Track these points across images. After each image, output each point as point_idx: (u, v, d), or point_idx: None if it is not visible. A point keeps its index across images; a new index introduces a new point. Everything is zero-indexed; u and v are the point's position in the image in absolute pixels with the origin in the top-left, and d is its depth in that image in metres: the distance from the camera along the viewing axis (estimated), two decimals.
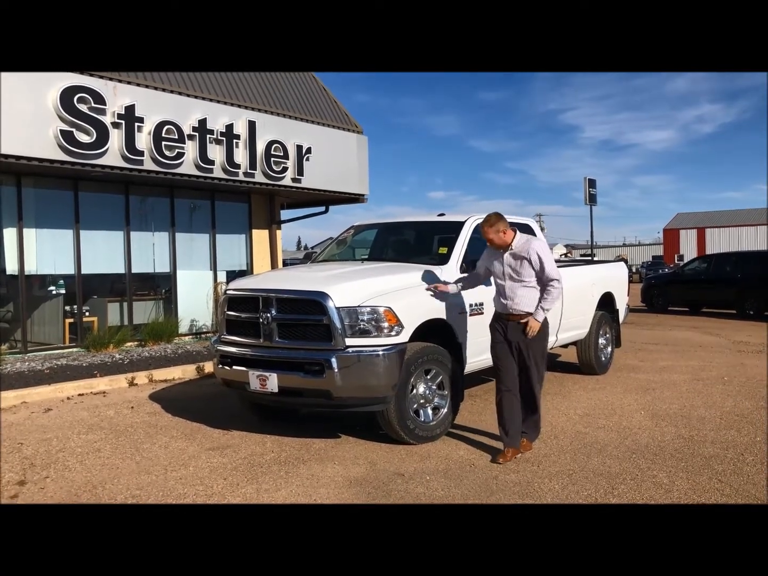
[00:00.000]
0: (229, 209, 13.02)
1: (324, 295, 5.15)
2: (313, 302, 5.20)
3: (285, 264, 14.94)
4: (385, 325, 5.16)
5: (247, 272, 13.28)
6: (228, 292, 5.88)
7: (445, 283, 5.67)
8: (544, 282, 5.05)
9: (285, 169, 12.28)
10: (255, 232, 13.44)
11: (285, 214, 14.48)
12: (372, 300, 5.19)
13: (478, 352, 6.18)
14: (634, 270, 42.88)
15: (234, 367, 5.63)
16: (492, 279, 5.39)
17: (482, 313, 6.09)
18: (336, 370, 5.05)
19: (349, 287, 5.31)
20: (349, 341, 5.11)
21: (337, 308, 5.10)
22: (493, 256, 5.26)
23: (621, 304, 9.28)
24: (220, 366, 5.78)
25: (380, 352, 5.11)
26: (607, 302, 8.81)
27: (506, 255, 5.13)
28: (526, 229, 7.32)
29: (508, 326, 5.15)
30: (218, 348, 5.84)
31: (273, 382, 5.28)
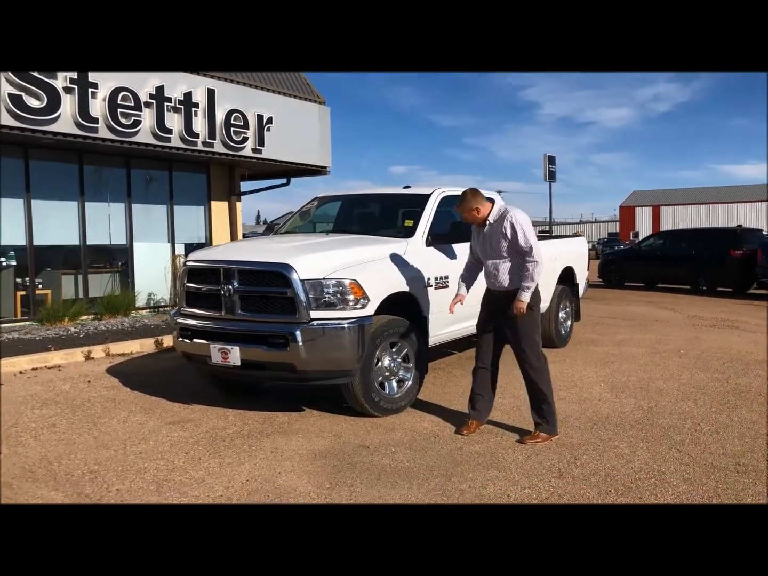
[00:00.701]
0: (187, 180, 12.73)
1: (288, 267, 5.05)
2: (277, 274, 5.11)
3: (245, 237, 14.69)
4: (351, 297, 5.10)
5: (206, 245, 13.01)
6: (188, 263, 5.74)
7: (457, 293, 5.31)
8: (521, 255, 4.71)
9: (245, 139, 12.02)
10: (214, 203, 13.18)
11: (245, 185, 14.25)
12: (337, 272, 5.12)
13: (443, 326, 6.18)
14: (590, 246, 43.51)
15: (195, 340, 5.51)
16: None
17: (447, 287, 6.08)
18: (300, 343, 4.97)
19: (313, 259, 5.22)
20: (313, 314, 5.04)
21: (302, 281, 5.02)
22: (476, 233, 5.09)
23: (581, 278, 9.38)
24: (180, 339, 5.65)
25: (345, 325, 5.05)
26: (567, 277, 8.90)
27: (485, 230, 4.91)
28: None
29: (495, 303, 4.98)
30: (178, 320, 5.71)
31: (235, 355, 5.19)
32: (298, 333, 4.99)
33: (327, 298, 5.06)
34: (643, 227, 61.70)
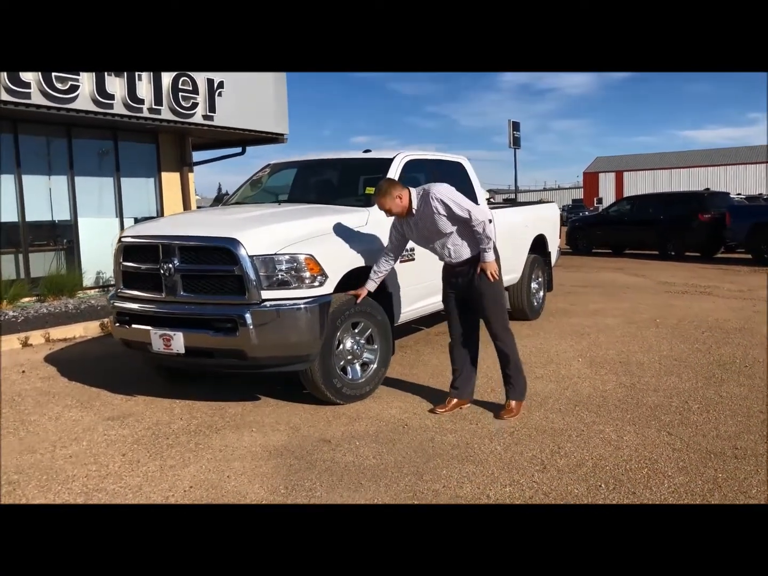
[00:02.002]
0: (134, 150, 11.92)
1: (234, 242, 4.49)
2: (222, 250, 4.54)
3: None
4: (307, 275, 4.56)
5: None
6: (123, 239, 5.12)
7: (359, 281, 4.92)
8: (466, 224, 4.49)
9: (195, 105, 11.25)
10: (165, 175, 12.41)
11: (198, 155, 13.50)
12: (291, 247, 4.57)
13: (410, 302, 5.70)
14: None
15: (133, 326, 4.93)
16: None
17: (413, 260, 5.58)
18: (251, 327, 4.43)
19: (263, 232, 4.66)
20: (265, 294, 4.49)
21: (251, 257, 4.46)
22: (404, 224, 4.74)
23: (553, 246, 8.95)
24: (118, 324, 5.06)
25: (302, 306, 4.52)
26: (539, 245, 8.45)
27: (414, 219, 4.62)
28: (458, 168, 6.81)
29: (457, 274, 4.72)
30: (115, 304, 5.11)
31: (178, 342, 4.63)
32: (247, 316, 4.44)
33: (280, 276, 4.52)
34: (607, 193, 61.93)
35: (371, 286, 4.88)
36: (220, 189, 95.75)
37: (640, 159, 65.67)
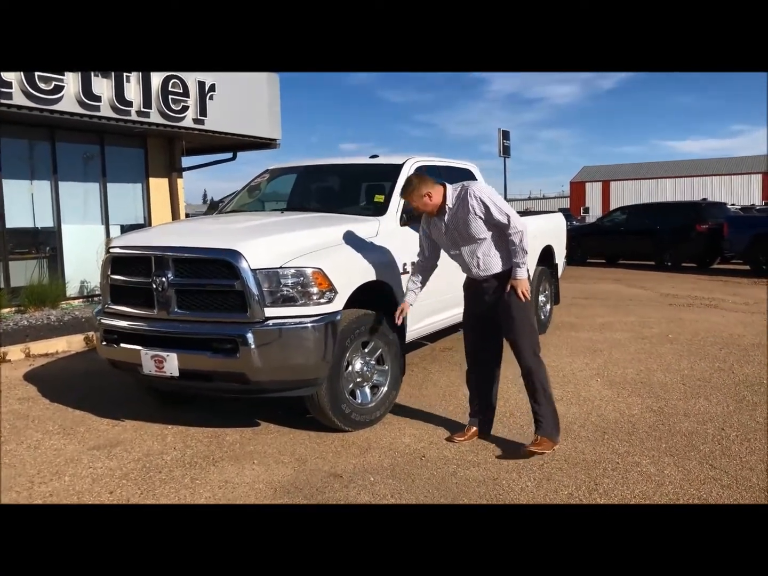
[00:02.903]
0: (122, 155, 11.44)
1: (236, 254, 4.07)
2: (222, 263, 4.12)
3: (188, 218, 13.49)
4: (315, 290, 4.15)
5: (144, 226, 11.82)
6: (112, 250, 4.68)
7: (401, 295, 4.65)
8: (502, 229, 4.02)
9: (185, 109, 10.82)
10: (153, 180, 11.94)
11: (187, 161, 13.02)
12: (297, 259, 4.16)
13: (421, 318, 5.31)
14: None
15: (122, 345, 4.49)
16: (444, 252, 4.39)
17: None
18: (253, 348, 4.02)
19: (267, 243, 4.25)
20: (269, 311, 4.08)
21: (253, 270, 4.05)
22: (432, 224, 4.27)
23: (560, 258, 8.62)
24: (105, 343, 4.62)
25: (309, 325, 4.11)
26: (546, 256, 8.11)
27: (446, 218, 4.13)
28: (468, 176, 6.44)
29: (483, 291, 4.20)
30: (102, 321, 4.67)
31: (172, 363, 4.20)
32: (249, 335, 4.03)
33: (285, 292, 4.11)
34: (594, 203, 61.96)
35: (412, 298, 4.43)
36: (205, 196, 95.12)
37: (627, 169, 65.75)
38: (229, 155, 13.38)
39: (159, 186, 12.05)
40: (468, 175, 6.46)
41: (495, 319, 4.21)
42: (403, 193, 4.22)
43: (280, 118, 12.87)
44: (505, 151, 27.44)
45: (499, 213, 3.97)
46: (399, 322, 4.39)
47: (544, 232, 8.08)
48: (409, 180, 4.19)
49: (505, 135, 27.37)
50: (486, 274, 4.15)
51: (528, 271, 4.12)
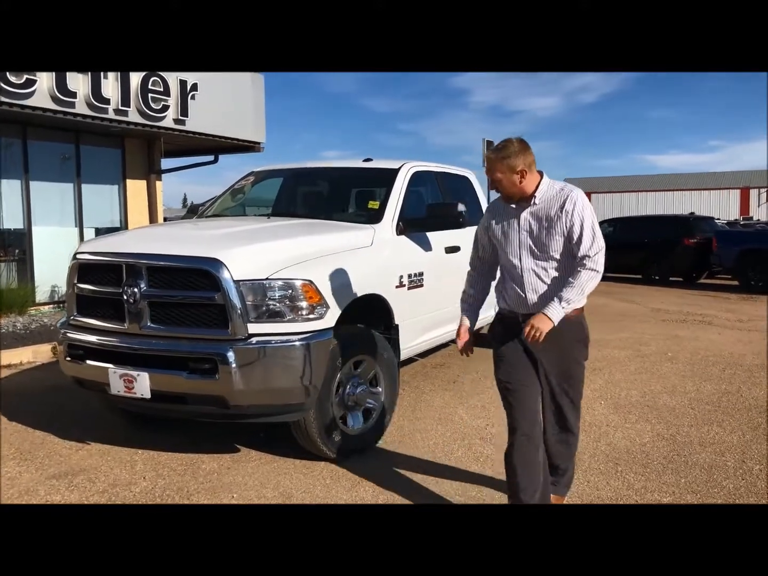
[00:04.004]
0: (98, 155, 10.95)
1: (216, 263, 3.65)
2: (201, 272, 3.70)
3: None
4: (304, 305, 3.75)
5: (120, 230, 11.33)
6: (78, 256, 4.23)
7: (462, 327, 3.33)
8: (575, 256, 3.00)
9: (166, 108, 10.37)
10: (130, 182, 11.44)
11: (166, 163, 12.54)
12: (285, 270, 3.75)
13: (416, 334, 4.93)
14: None
15: (88, 362, 4.05)
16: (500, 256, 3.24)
17: (421, 286, 4.82)
18: (234, 369, 3.60)
19: (252, 252, 3.84)
20: (252, 328, 3.67)
21: (236, 282, 3.63)
22: (501, 215, 3.17)
23: None
24: (69, 359, 4.17)
25: (297, 343, 3.70)
26: None
27: (525, 213, 3.07)
28: (465, 182, 6.09)
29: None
30: (67, 334, 4.22)
31: (143, 384, 3.76)
32: (230, 354, 3.61)
33: (271, 306, 3.70)
34: None
35: (471, 321, 3.34)
36: (185, 199, 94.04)
37: (608, 182, 66.04)
38: (211, 158, 12.94)
39: (137, 188, 11.56)
40: (465, 183, 6.10)
41: (539, 372, 3.16)
42: (493, 155, 2.98)
43: (264, 121, 12.46)
44: None
45: (590, 241, 2.97)
46: (465, 352, 3.32)
47: None
48: (508, 142, 2.99)
49: (489, 145, 27.21)
50: (535, 308, 3.05)
51: (581, 324, 3.16)
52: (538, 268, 3.06)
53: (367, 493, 3.70)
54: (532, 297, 3.08)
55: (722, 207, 57.34)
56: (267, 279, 3.69)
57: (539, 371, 3.14)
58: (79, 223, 10.73)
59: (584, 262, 2.97)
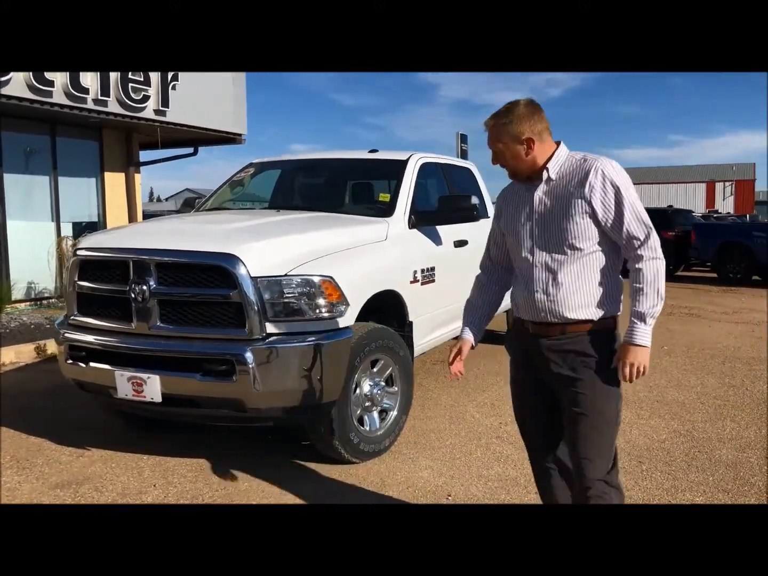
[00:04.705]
0: (75, 147, 10.57)
1: (233, 259, 3.46)
2: (217, 269, 3.50)
3: (146, 217, 12.62)
4: (324, 302, 3.58)
5: (98, 224, 10.98)
6: (79, 252, 3.99)
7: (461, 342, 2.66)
8: (626, 246, 2.36)
9: (146, 98, 10.04)
10: (108, 175, 11.08)
11: (144, 155, 12.20)
12: (304, 266, 3.58)
13: (428, 331, 4.80)
14: None
15: (92, 364, 3.82)
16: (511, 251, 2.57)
17: (433, 281, 4.68)
18: (252, 370, 3.41)
19: (269, 247, 3.65)
20: (270, 327, 3.49)
21: (254, 278, 3.45)
22: (512, 200, 2.54)
23: None
24: (71, 361, 3.94)
25: (317, 342, 3.53)
26: None
27: (538, 193, 2.42)
28: (468, 174, 5.95)
29: (542, 351, 2.42)
30: (66, 334, 3.99)
31: (154, 387, 3.56)
32: (248, 355, 3.42)
33: (291, 304, 3.52)
34: None
35: (469, 335, 2.64)
36: (152, 193, 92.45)
37: None
38: (190, 150, 12.60)
39: (115, 181, 11.20)
40: (468, 174, 5.97)
41: (555, 402, 2.48)
42: (492, 121, 2.39)
43: (246, 112, 12.18)
44: (464, 155, 27.15)
45: (634, 217, 2.31)
46: (455, 371, 2.62)
47: None
48: (513, 104, 2.39)
49: (463, 139, 26.96)
50: (559, 313, 2.36)
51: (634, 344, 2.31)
52: (553, 262, 2.35)
53: (392, 494, 3.55)
54: (542, 298, 2.37)
55: (689, 200, 58.27)
56: (286, 276, 3.51)
57: (550, 400, 2.50)
58: (56, 218, 10.36)
59: (639, 252, 2.30)
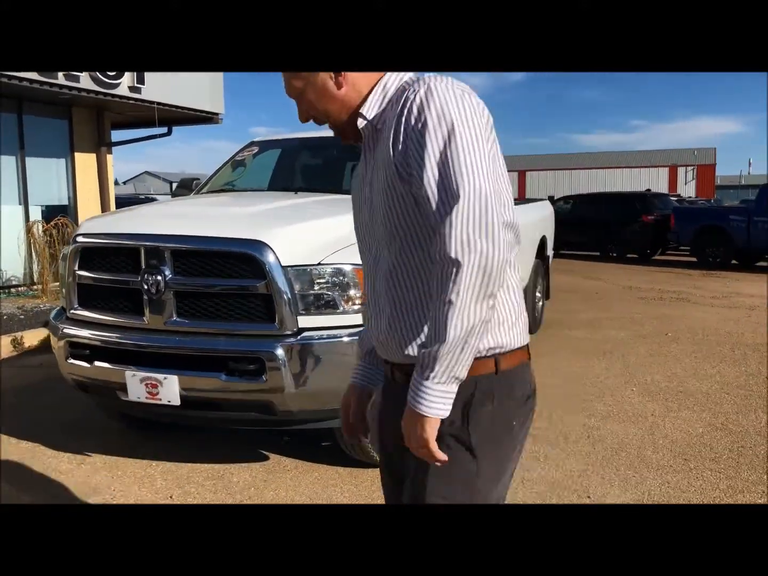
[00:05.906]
0: (42, 126, 9.99)
1: (261, 246, 3.11)
2: (243, 257, 3.14)
3: (118, 201, 12.03)
4: (358, 293, 3.25)
5: (69, 207, 10.42)
6: (80, 239, 3.57)
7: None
8: (430, 225, 1.35)
9: (120, 75, 9.50)
10: (78, 155, 10.51)
11: (117, 135, 11.62)
12: (336, 254, 3.24)
13: None
14: None
15: (97, 363, 3.43)
16: None
17: None
18: (285, 369, 3.08)
19: (298, 233, 3.30)
20: (303, 321, 3.15)
21: (284, 268, 3.10)
22: (357, 172, 1.65)
23: (550, 249, 8.00)
24: (71, 360, 3.54)
25: (353, 337, 3.21)
26: (541, 248, 7.45)
27: (367, 154, 1.53)
28: None
29: (386, 401, 1.60)
30: (65, 330, 3.59)
31: (171, 389, 3.19)
32: (280, 352, 3.09)
33: (323, 296, 3.19)
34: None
35: (363, 379, 1.73)
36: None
37: (541, 159, 66.88)
38: (164, 130, 12.05)
39: (86, 162, 10.64)
40: None
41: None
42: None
43: (222, 90, 11.68)
44: None
45: (441, 179, 1.31)
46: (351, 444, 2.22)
47: (540, 220, 7.43)
48: None
49: None
50: (399, 350, 1.47)
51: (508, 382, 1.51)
52: (393, 266, 1.45)
53: None
54: (381, 326, 1.50)
55: (652, 184, 58.97)
56: (318, 265, 3.17)
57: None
58: (24, 201, 9.78)
59: (440, 247, 1.29)
